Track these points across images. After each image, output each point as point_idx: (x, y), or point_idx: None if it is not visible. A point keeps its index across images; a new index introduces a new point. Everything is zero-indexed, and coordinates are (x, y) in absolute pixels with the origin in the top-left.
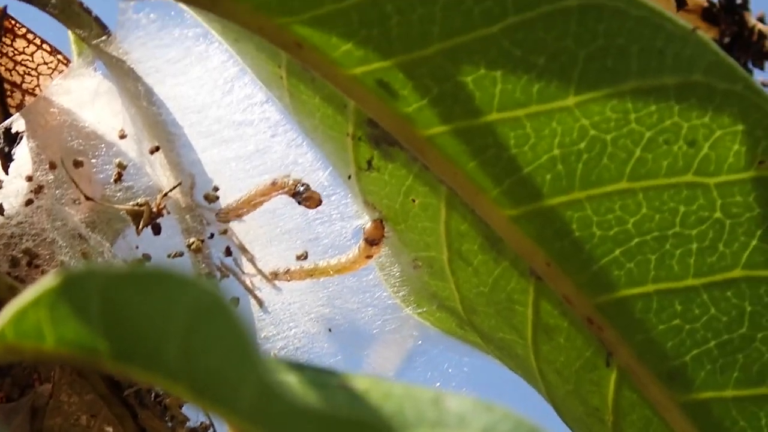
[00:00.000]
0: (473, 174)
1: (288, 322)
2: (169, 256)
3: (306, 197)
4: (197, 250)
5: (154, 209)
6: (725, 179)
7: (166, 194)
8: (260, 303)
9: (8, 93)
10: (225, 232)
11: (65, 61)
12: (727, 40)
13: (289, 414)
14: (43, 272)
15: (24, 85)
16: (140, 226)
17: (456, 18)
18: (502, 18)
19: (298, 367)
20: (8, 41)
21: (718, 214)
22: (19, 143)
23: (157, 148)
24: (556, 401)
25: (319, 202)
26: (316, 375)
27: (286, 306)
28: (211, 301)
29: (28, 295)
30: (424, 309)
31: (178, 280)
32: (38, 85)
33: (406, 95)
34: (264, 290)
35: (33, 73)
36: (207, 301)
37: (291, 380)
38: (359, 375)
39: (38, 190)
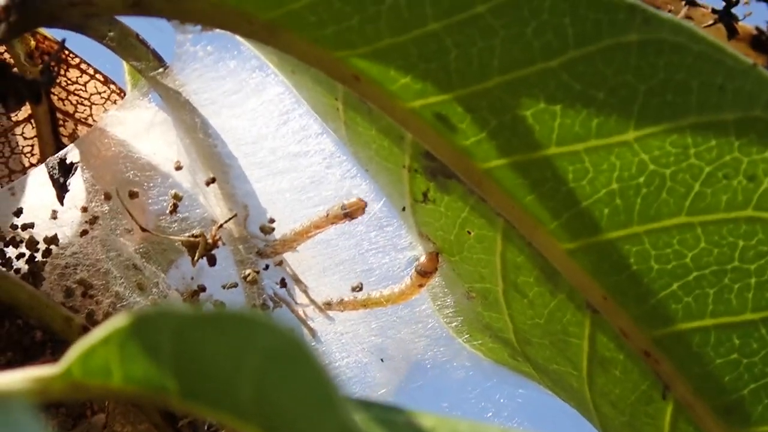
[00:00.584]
0: (531, 207)
1: (340, 351)
2: (223, 287)
3: (350, 211)
4: (253, 282)
5: (210, 240)
6: None
7: (221, 225)
8: (313, 333)
9: (61, 122)
10: (280, 263)
11: (118, 91)
12: None
13: None
14: (97, 302)
15: (77, 115)
16: (196, 257)
17: (515, 52)
18: (562, 52)
19: (365, 405)
20: (62, 71)
21: None
22: (74, 174)
23: (213, 180)
24: None
25: (363, 207)
26: (383, 412)
27: (338, 336)
28: (288, 342)
29: (97, 334)
30: (478, 340)
31: (254, 322)
32: (91, 115)
33: (464, 128)
34: (317, 320)
35: (86, 102)
36: (284, 342)
37: (358, 418)
38: (424, 412)
39: (93, 220)
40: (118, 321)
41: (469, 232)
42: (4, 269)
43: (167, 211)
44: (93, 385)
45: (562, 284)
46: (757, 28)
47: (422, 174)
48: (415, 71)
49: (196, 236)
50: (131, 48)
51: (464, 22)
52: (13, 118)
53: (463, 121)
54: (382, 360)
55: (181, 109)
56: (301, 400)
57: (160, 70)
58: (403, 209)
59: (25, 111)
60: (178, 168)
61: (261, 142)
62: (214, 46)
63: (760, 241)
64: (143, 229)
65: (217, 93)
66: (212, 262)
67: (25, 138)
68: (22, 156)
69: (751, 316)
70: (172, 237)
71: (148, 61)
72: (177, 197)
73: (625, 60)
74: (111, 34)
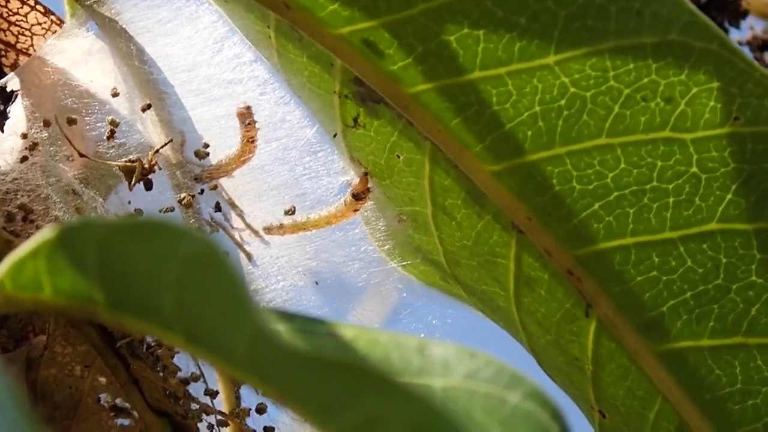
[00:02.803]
0: (456, 130)
1: (276, 275)
2: (160, 211)
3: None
4: (188, 206)
5: (146, 165)
6: (701, 135)
7: (157, 150)
8: (249, 257)
9: (3, 53)
10: (215, 187)
11: (59, 22)
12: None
13: (281, 360)
14: (37, 227)
15: (18, 45)
16: (132, 182)
17: None
18: None
19: (287, 316)
20: (3, 2)
21: (694, 169)
22: (14, 102)
23: (149, 106)
24: (537, 351)
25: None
26: (305, 323)
27: (274, 260)
28: (205, 251)
29: (26, 246)
30: (409, 262)
31: (174, 231)
32: (32, 45)
33: (391, 54)
34: (252, 245)
35: (27, 33)
36: (201, 251)
37: (281, 328)
38: (346, 324)
39: (33, 147)
40: (45, 233)
41: (399, 156)
42: None
43: (105, 138)
44: (24, 299)
45: (488, 206)
46: None
47: (352, 99)
48: None
49: (132, 161)
50: None
51: None
52: None
53: (390, 47)
54: (317, 283)
55: (117, 37)
56: (217, 308)
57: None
58: (335, 135)
59: None
60: (115, 95)
61: (196, 70)
62: None
63: (678, 161)
64: (81, 155)
65: (153, 21)
66: (149, 186)
67: None
68: None
69: (669, 235)
70: (109, 162)
71: None
72: (114, 123)
73: None
74: None
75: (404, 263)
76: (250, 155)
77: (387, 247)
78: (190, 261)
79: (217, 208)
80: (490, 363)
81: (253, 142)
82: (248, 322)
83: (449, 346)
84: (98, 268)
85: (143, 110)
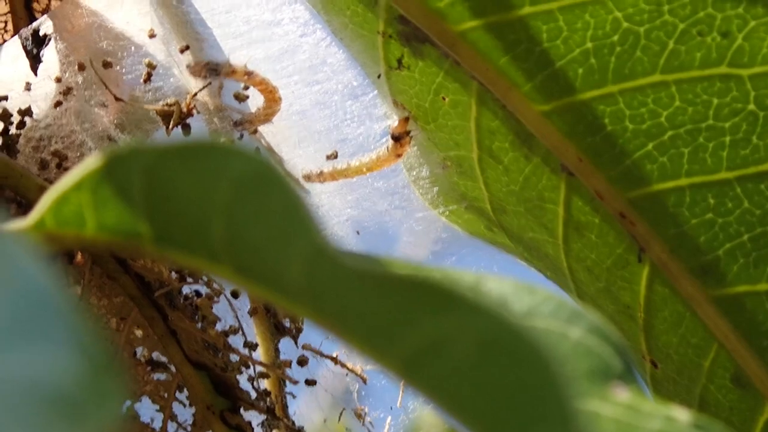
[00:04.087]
0: (505, 69)
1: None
2: None
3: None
4: None
5: (184, 109)
6: (759, 71)
7: (195, 94)
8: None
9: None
10: (255, 132)
11: None
12: None
13: (340, 281)
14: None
15: None
16: (170, 126)
17: None
18: None
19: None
20: None
21: (751, 106)
22: (47, 45)
23: (187, 47)
24: (586, 300)
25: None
26: (360, 259)
27: (314, 209)
28: (259, 170)
29: (69, 178)
30: (453, 209)
31: (225, 150)
32: None
33: None
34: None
35: None
36: (255, 170)
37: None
38: (401, 261)
39: (67, 91)
40: (90, 163)
41: (444, 98)
42: None
43: (141, 81)
44: (67, 236)
45: (537, 148)
46: None
47: (396, 39)
48: None
49: (170, 105)
50: None
51: None
52: None
53: None
54: (358, 232)
55: None
56: (272, 230)
57: None
58: (378, 77)
59: None
60: (152, 36)
61: (234, 12)
62: None
63: (734, 99)
64: (117, 99)
65: None
66: (187, 130)
67: None
68: None
69: (725, 175)
70: (146, 106)
71: None
72: (151, 66)
73: None
74: None
75: (448, 211)
76: (276, 106)
77: (430, 195)
78: (242, 181)
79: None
80: (549, 298)
81: (270, 92)
82: (306, 242)
83: (506, 281)
84: (144, 197)
85: (181, 52)
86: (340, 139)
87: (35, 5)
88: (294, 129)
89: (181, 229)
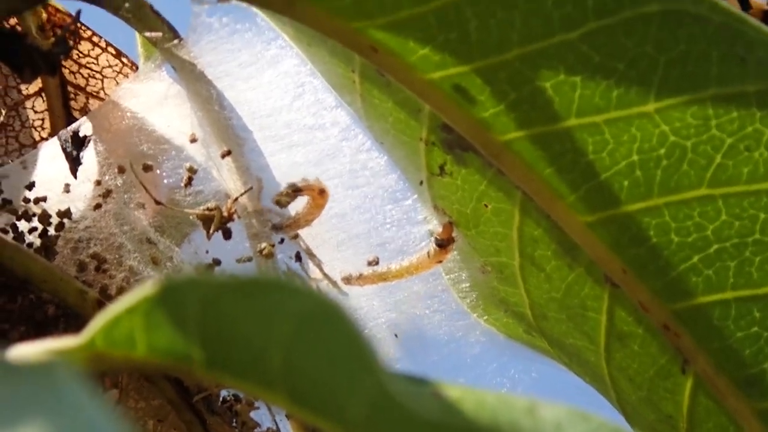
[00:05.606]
0: (550, 179)
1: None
2: (238, 261)
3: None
4: (268, 256)
5: (225, 214)
6: None
7: (236, 199)
8: None
9: (72, 96)
10: (295, 236)
11: (130, 65)
12: None
13: (402, 425)
14: (111, 276)
15: (88, 88)
16: (211, 231)
17: (535, 23)
18: (582, 23)
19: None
20: (73, 43)
21: None
22: (86, 147)
23: (228, 153)
24: (627, 409)
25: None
26: (409, 383)
27: (352, 312)
28: (320, 308)
29: (122, 303)
30: (493, 315)
31: (284, 288)
32: (102, 88)
33: (483, 100)
34: (331, 295)
35: (97, 76)
36: (315, 308)
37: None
38: (450, 383)
39: (106, 194)
40: (144, 290)
41: (486, 206)
42: (17, 242)
43: (182, 185)
44: (116, 356)
45: (580, 257)
46: None
47: (439, 147)
48: (434, 42)
49: (211, 209)
50: (146, 20)
51: None
52: (24, 92)
53: (483, 93)
54: (396, 335)
55: (195, 81)
56: (334, 365)
57: (175, 42)
58: (420, 183)
59: (36, 84)
60: (193, 141)
61: (276, 115)
62: (230, 17)
63: None
64: (157, 202)
65: (233, 65)
66: (227, 235)
67: (35, 112)
68: (33, 130)
69: None
70: (186, 210)
71: (162, 33)
72: (192, 170)
73: (646, 31)
74: (126, 5)
75: (487, 315)
76: (318, 211)
77: (469, 299)
78: (303, 317)
79: (297, 258)
80: (604, 426)
81: (320, 197)
82: (373, 383)
83: (560, 407)
84: (199, 325)
85: (222, 157)
86: (380, 243)
87: (73, 104)
88: (333, 232)
89: (236, 357)
